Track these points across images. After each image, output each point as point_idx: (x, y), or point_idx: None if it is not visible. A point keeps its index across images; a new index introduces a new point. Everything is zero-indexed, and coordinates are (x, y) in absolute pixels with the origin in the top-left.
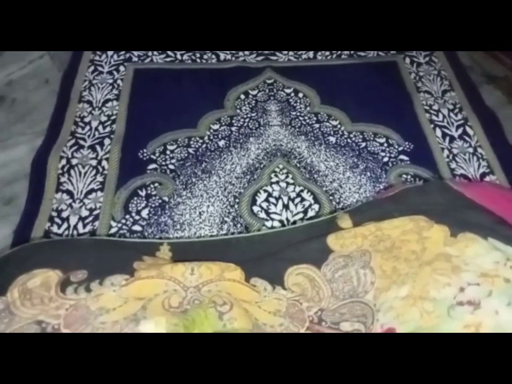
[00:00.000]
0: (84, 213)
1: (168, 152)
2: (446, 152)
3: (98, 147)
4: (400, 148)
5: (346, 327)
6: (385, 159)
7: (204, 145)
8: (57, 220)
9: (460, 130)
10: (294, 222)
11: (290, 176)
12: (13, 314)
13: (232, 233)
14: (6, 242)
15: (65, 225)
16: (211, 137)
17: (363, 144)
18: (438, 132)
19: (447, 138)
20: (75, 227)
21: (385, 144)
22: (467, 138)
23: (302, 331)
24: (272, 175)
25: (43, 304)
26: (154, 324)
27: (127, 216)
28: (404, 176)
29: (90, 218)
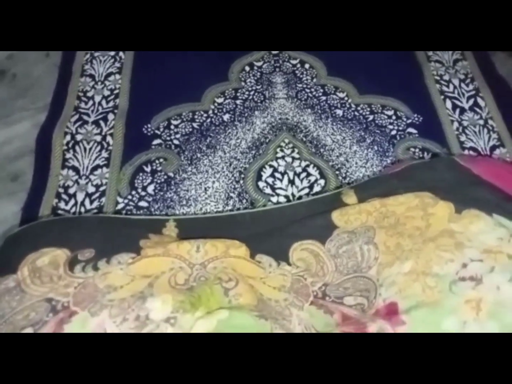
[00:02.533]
0: (91, 189)
1: (172, 127)
2: (455, 124)
3: (102, 123)
4: (409, 121)
5: (350, 301)
6: (393, 132)
7: (208, 120)
8: (64, 196)
9: (471, 102)
10: (300, 198)
11: (296, 150)
12: (24, 291)
13: (238, 209)
14: (15, 219)
15: (72, 201)
16: (216, 111)
17: (371, 117)
18: (448, 103)
19: (458, 110)
20: (82, 203)
21: (393, 117)
22: (478, 110)
23: (307, 306)
24: (278, 150)
25: (52, 282)
26: (160, 302)
27: (133, 192)
28: (412, 149)
29: (97, 195)
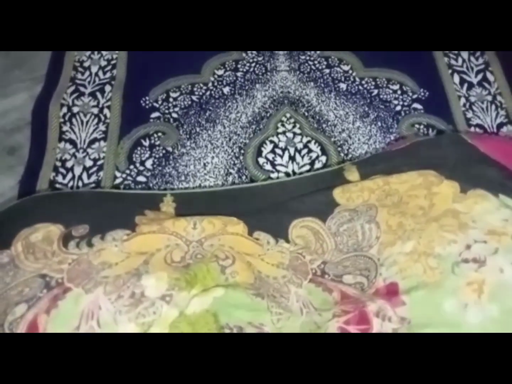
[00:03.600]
0: (88, 163)
1: (171, 99)
2: (463, 100)
3: (99, 94)
4: (414, 96)
5: (349, 279)
6: (398, 108)
7: (208, 92)
8: (61, 170)
9: (479, 76)
10: (301, 174)
11: (298, 125)
12: (17, 267)
13: (237, 184)
14: (12, 193)
15: (69, 175)
16: (215, 84)
17: (375, 92)
18: (456, 78)
19: (465, 85)
20: (80, 177)
21: (399, 92)
22: (486, 85)
23: (305, 283)
24: (279, 125)
25: (46, 258)
26: (155, 279)
27: (131, 167)
28: (417, 126)
29: (95, 169)
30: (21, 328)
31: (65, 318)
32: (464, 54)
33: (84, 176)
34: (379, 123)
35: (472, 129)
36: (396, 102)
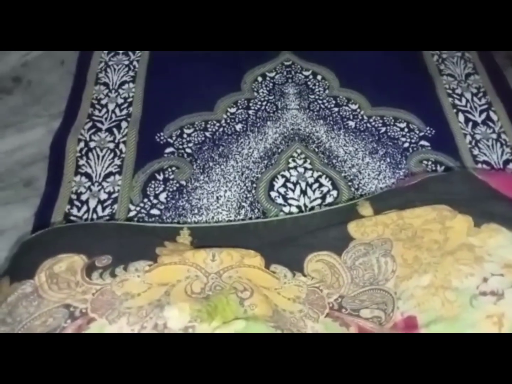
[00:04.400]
0: (103, 196)
1: (185, 135)
2: (468, 138)
3: (115, 130)
4: (421, 134)
5: (366, 314)
6: (406, 145)
7: (221, 129)
8: (76, 203)
9: (483, 115)
10: (312, 208)
11: (308, 161)
12: (41, 297)
13: (250, 218)
14: (28, 225)
15: (84, 208)
16: (228, 121)
17: (383, 129)
18: (461, 117)
19: (470, 124)
20: (94, 210)
21: (406, 129)
22: (490, 124)
23: (322, 318)
24: (290, 160)
25: (69, 289)
26: (178, 310)
27: (145, 200)
28: (425, 162)
29: (109, 202)
30: None
31: None
32: (468, 95)
33: (99, 208)
34: (388, 159)
35: (479, 165)
36: (403, 139)
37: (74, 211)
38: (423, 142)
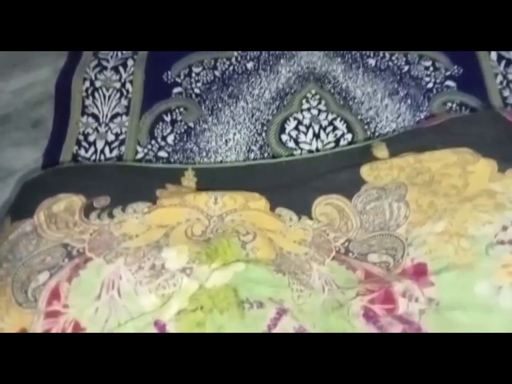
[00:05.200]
0: (110, 137)
1: (193, 74)
2: (499, 78)
3: (121, 69)
4: (448, 73)
5: (374, 258)
6: (429, 85)
7: (231, 67)
8: (84, 144)
9: None
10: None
11: (323, 102)
12: (40, 236)
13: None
14: (37, 165)
15: (92, 149)
16: (239, 59)
17: (406, 68)
18: (494, 54)
19: (503, 62)
20: (102, 151)
21: (431, 68)
22: None
23: (328, 260)
24: (303, 101)
25: (67, 228)
26: (176, 252)
27: (153, 142)
28: (449, 104)
29: (116, 143)
30: (44, 295)
31: (86, 287)
32: None
33: (106, 150)
34: (408, 101)
35: (509, 108)
36: (428, 79)
37: (82, 152)
38: (448, 82)
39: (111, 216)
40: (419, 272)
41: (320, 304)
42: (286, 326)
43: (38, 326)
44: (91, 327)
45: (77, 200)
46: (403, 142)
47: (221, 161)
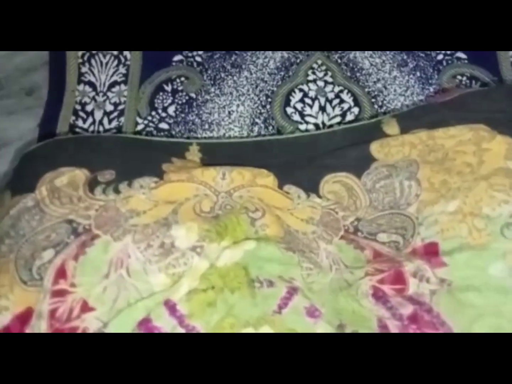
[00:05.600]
0: (109, 107)
1: None
2: None
3: None
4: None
5: (383, 238)
6: (439, 57)
7: None
8: (81, 114)
9: None
10: (331, 126)
11: (329, 73)
12: (43, 211)
13: (264, 135)
14: (32, 135)
15: (90, 120)
16: None
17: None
18: None
19: None
20: (100, 122)
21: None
22: None
23: (336, 239)
24: (309, 72)
25: (72, 204)
26: (185, 229)
27: (153, 113)
28: (459, 77)
29: (115, 114)
30: (49, 273)
31: (93, 265)
32: None
33: (105, 121)
34: (418, 73)
35: None
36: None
37: (80, 122)
38: (459, 54)
39: (117, 191)
40: (431, 252)
41: (328, 283)
42: (298, 305)
43: (44, 305)
44: (99, 307)
45: (81, 174)
46: (415, 118)
47: (224, 135)
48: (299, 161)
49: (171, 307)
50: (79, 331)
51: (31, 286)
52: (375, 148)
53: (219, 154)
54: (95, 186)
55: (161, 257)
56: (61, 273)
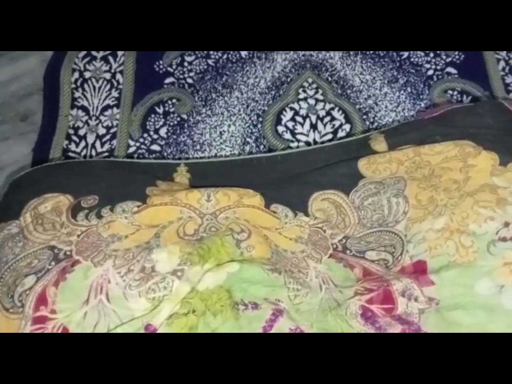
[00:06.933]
0: (101, 131)
1: (186, 64)
2: (502, 64)
3: (111, 58)
4: (448, 59)
5: (372, 256)
6: (430, 72)
7: (225, 56)
8: (74, 138)
9: None
10: (322, 144)
11: (320, 91)
12: (26, 238)
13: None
14: (26, 160)
15: (82, 144)
16: None
17: (406, 54)
18: None
19: None
20: (93, 145)
21: (431, 54)
22: None
23: (325, 258)
24: (300, 90)
25: (55, 230)
26: (167, 253)
27: (145, 135)
28: (450, 92)
29: (108, 137)
30: (30, 300)
31: (73, 291)
32: None
33: (98, 144)
34: (408, 89)
35: None
36: (428, 65)
37: (72, 146)
38: (449, 69)
39: (99, 216)
40: (419, 271)
41: (317, 303)
42: (282, 327)
43: (25, 332)
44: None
45: (64, 200)
46: (403, 134)
47: (215, 155)
48: (286, 179)
49: (151, 332)
50: None
51: (13, 314)
52: (363, 165)
53: (207, 174)
54: (78, 211)
55: (142, 282)
56: (42, 300)
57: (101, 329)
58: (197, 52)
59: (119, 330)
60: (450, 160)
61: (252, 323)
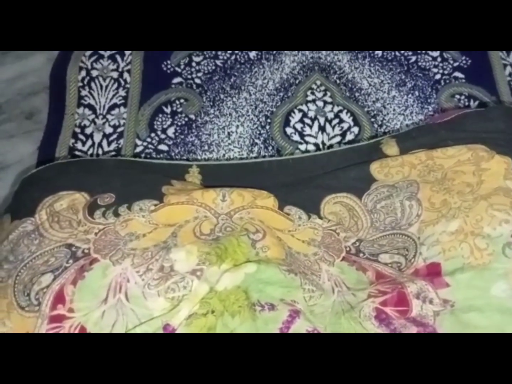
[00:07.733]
0: (108, 130)
1: (194, 64)
2: (508, 69)
3: (118, 57)
4: (456, 64)
5: (385, 259)
6: (437, 77)
7: (233, 57)
8: (81, 136)
9: None
10: (331, 146)
11: (329, 94)
12: (42, 236)
13: (263, 156)
14: (31, 159)
15: (89, 142)
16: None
17: (413, 58)
18: None
19: None
20: (99, 144)
21: (439, 59)
22: None
23: (338, 261)
24: (308, 93)
25: (71, 228)
26: (185, 252)
27: (153, 135)
28: (457, 96)
29: (115, 136)
30: (47, 298)
31: (92, 290)
32: None
33: (104, 143)
34: (416, 93)
35: None
36: (435, 70)
37: (79, 145)
38: (457, 74)
39: (116, 214)
40: (433, 273)
41: (330, 305)
42: (300, 328)
43: (42, 331)
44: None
45: (80, 198)
46: (414, 139)
47: (224, 156)
48: (299, 182)
49: (170, 332)
50: None
51: (29, 312)
52: (375, 168)
53: (219, 176)
54: (94, 209)
55: (160, 281)
56: (59, 298)
57: (119, 328)
58: (205, 52)
59: (138, 330)
60: (463, 163)
61: (268, 324)
